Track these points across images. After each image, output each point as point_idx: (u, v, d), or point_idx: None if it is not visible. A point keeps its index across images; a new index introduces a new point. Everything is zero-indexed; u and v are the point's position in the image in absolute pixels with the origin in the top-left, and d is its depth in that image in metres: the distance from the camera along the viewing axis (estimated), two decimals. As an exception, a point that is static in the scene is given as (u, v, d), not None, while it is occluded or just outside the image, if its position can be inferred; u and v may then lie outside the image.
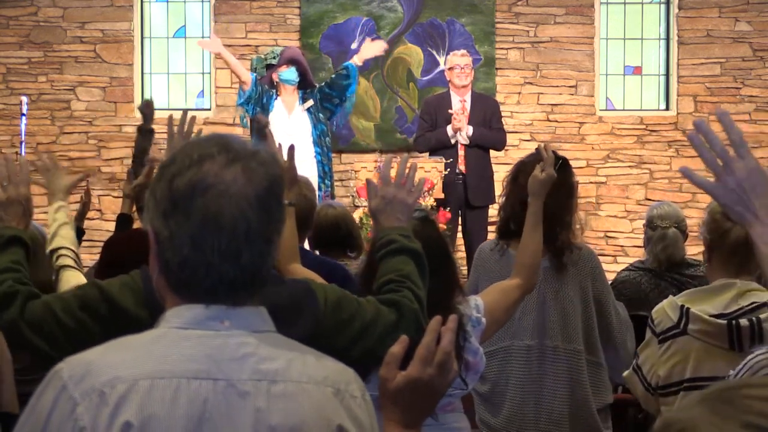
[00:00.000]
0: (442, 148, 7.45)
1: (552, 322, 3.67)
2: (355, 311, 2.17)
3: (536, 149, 3.70)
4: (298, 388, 1.49)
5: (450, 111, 7.40)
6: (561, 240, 3.63)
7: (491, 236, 4.85)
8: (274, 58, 7.41)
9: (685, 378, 3.01)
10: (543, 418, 3.64)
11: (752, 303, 2.97)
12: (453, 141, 7.42)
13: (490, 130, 7.51)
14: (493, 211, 6.68)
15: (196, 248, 1.49)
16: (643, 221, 4.81)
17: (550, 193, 3.40)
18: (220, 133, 1.58)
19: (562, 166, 3.57)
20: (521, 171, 3.62)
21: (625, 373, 3.31)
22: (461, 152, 7.44)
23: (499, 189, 4.01)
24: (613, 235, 9.13)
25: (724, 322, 2.95)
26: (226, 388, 1.45)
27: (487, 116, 7.55)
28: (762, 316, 2.94)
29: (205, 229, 1.48)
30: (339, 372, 1.55)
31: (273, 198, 1.53)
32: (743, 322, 2.93)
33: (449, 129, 7.40)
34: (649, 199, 9.06)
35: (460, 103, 7.53)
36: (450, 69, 7.64)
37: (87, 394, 1.42)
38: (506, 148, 7.71)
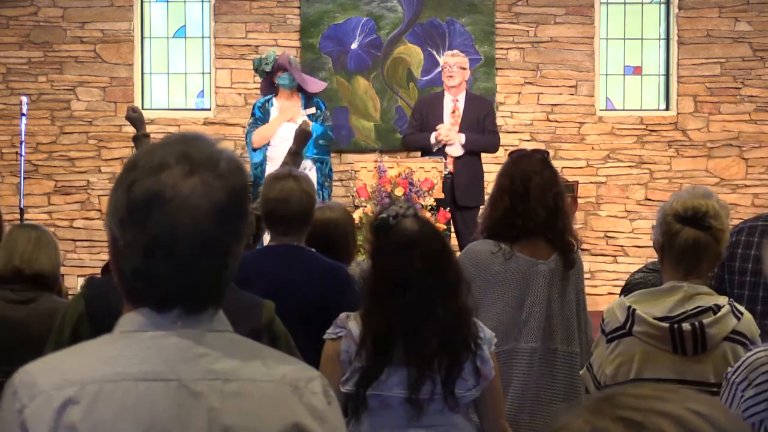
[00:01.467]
0: (426, 153, 7.49)
1: (555, 324, 3.62)
2: (293, 353, 2.26)
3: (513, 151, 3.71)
4: (253, 386, 1.46)
5: (437, 128, 7.39)
6: (567, 236, 3.58)
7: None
8: (267, 64, 7.47)
9: (629, 379, 3.00)
10: (540, 421, 3.57)
11: (697, 307, 2.96)
12: (435, 149, 7.42)
13: (483, 132, 7.51)
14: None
15: (150, 259, 1.45)
16: (651, 222, 4.80)
17: (542, 191, 3.40)
18: (185, 136, 1.53)
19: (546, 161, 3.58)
20: (515, 170, 3.59)
21: (581, 371, 3.31)
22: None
23: (490, 190, 3.81)
24: (613, 235, 9.11)
25: (667, 325, 2.94)
26: (178, 389, 1.43)
27: (480, 118, 7.55)
28: (706, 321, 2.93)
29: (160, 241, 1.45)
30: (299, 370, 1.52)
31: (233, 209, 1.48)
32: (686, 326, 2.92)
33: (432, 138, 7.40)
34: (649, 199, 9.05)
35: (452, 103, 7.56)
36: (442, 69, 7.68)
37: (33, 397, 1.41)
38: (506, 148, 7.70)
